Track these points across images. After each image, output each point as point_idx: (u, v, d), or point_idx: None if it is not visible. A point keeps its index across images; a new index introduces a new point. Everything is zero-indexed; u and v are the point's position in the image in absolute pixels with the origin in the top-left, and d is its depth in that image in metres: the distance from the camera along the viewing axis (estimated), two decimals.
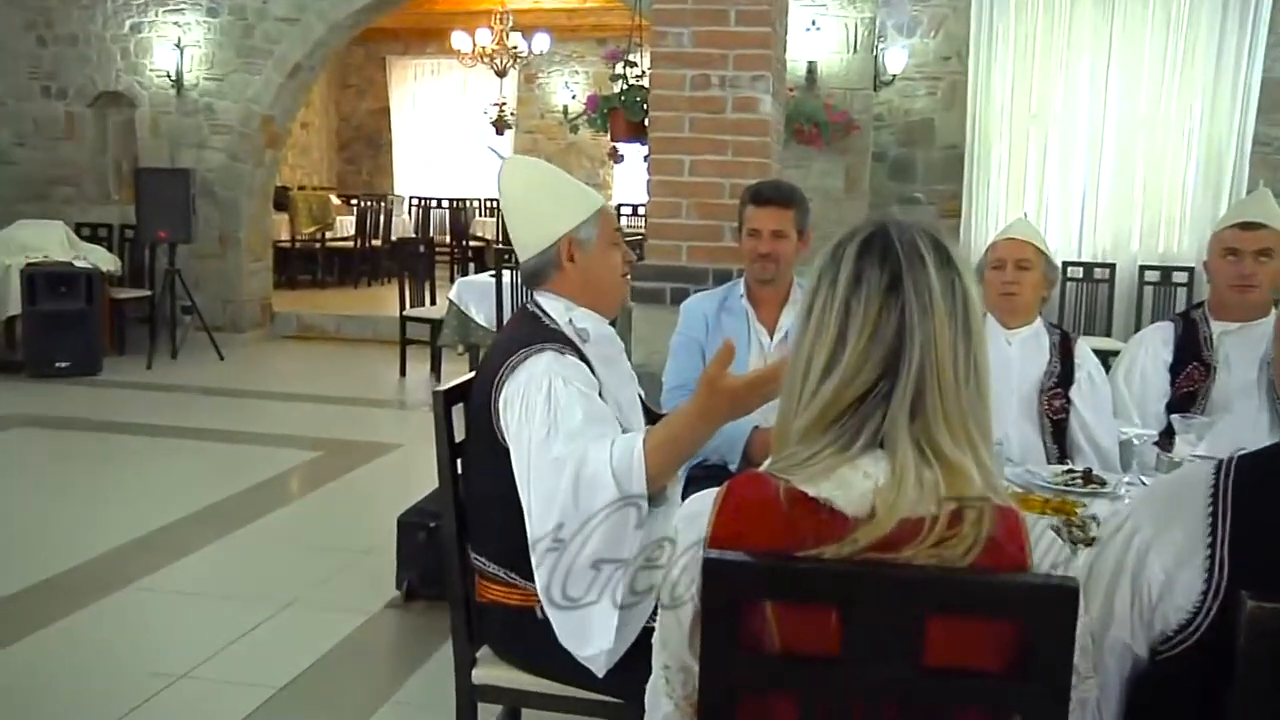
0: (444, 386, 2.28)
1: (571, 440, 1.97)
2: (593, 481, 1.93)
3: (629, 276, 2.35)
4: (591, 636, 1.97)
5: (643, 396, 2.44)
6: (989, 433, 1.31)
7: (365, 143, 15.48)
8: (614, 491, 1.91)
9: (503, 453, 2.07)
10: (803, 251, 3.25)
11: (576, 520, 1.93)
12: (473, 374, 2.29)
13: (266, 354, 9.07)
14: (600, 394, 2.11)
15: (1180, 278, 7.46)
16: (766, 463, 1.35)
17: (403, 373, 8.04)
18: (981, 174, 7.92)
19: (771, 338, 3.25)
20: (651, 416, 2.42)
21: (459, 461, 2.26)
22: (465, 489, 2.24)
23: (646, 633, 1.96)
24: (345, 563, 4.22)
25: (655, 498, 1.96)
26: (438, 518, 3.48)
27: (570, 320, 2.21)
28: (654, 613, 1.98)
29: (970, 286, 1.30)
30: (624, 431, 2.09)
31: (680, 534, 1.34)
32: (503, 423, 2.09)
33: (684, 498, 2.21)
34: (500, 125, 13.44)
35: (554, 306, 2.24)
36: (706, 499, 1.33)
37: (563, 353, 2.10)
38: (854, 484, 1.25)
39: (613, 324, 2.36)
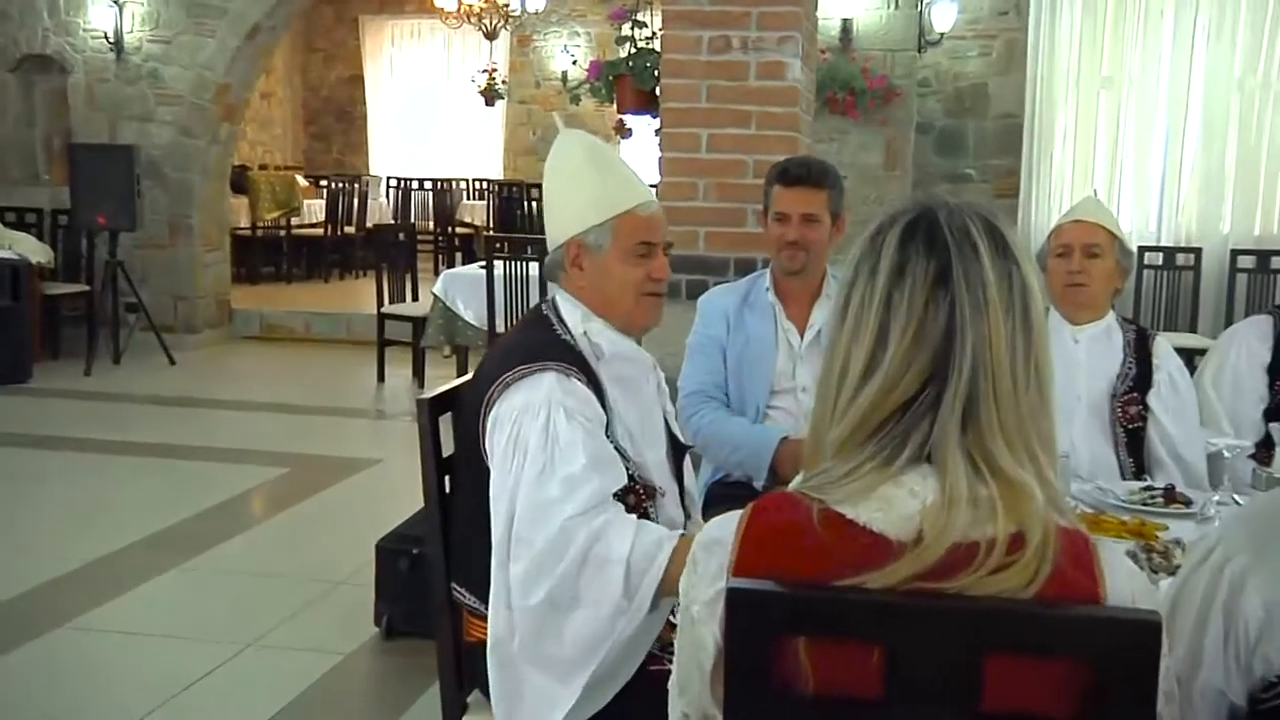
0: (430, 394, 2.29)
1: (573, 489, 1.99)
2: (601, 566, 1.95)
3: (657, 297, 2.30)
4: (520, 713, 2.01)
5: (669, 420, 2.43)
6: (1053, 445, 1.31)
7: (336, 116, 15.52)
8: (620, 590, 1.94)
9: (489, 474, 2.10)
10: (837, 238, 3.26)
11: (568, 595, 1.96)
12: (463, 379, 2.30)
13: (224, 358, 9.10)
14: (610, 426, 2.13)
15: None
16: (797, 480, 1.35)
17: (380, 378, 8.06)
18: (1043, 147, 7.91)
19: (802, 337, 3.25)
20: (677, 447, 2.41)
21: (447, 480, 2.27)
22: (451, 512, 2.25)
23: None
24: (315, 596, 4.23)
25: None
26: (422, 544, 3.50)
27: (585, 332, 2.22)
28: (619, 698, 1.99)
29: (1030, 278, 1.30)
30: (629, 472, 2.11)
31: (699, 563, 1.35)
32: (488, 443, 2.10)
33: (705, 519, 2.22)
34: (490, 95, 13.47)
35: (571, 313, 2.25)
36: (729, 523, 1.33)
37: (568, 375, 2.11)
38: (899, 504, 1.25)
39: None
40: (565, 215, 2.26)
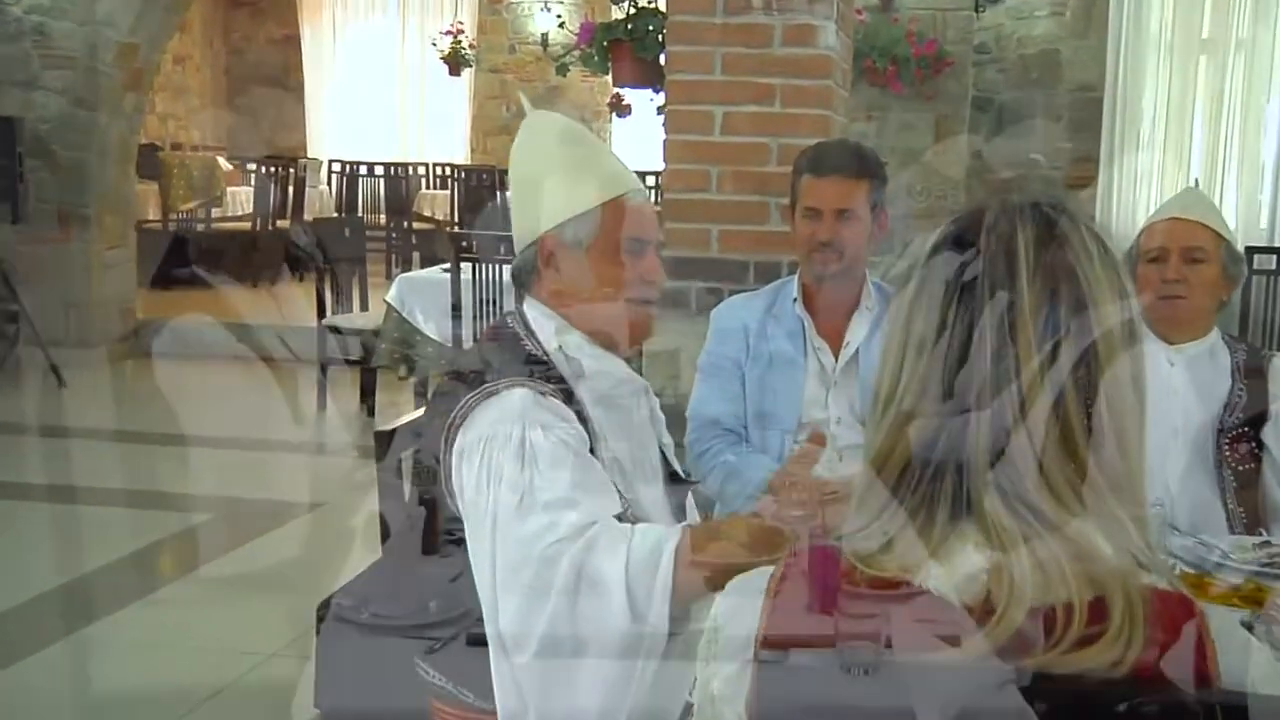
0: (393, 424, 2.29)
1: (556, 513, 1.99)
2: (596, 589, 1.95)
3: (649, 305, 2.31)
4: None
5: (666, 452, 2.44)
6: (1132, 489, 1.30)
7: (267, 85, 15.53)
8: (624, 613, 1.93)
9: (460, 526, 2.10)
10: (878, 237, 3.27)
11: (567, 634, 1.95)
12: (423, 410, 2.31)
13: (129, 379, 9.09)
14: (595, 451, 2.14)
15: None
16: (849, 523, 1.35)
17: (322, 405, 8.05)
18: (1128, 126, 7.92)
19: (836, 358, 3.26)
20: (676, 483, 2.42)
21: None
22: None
23: None
24: (242, 672, 4.21)
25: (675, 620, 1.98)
26: (375, 608, 3.49)
27: (560, 347, 2.23)
28: None
29: (1096, 297, 1.29)
30: (624, 507, 2.11)
31: (722, 630, 1.35)
32: (456, 483, 2.11)
33: None
34: (455, 63, 13.48)
35: (542, 325, 2.26)
36: (757, 582, 1.34)
37: (542, 392, 2.12)
38: (961, 560, 1.26)
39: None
40: (537, 207, 2.27)
